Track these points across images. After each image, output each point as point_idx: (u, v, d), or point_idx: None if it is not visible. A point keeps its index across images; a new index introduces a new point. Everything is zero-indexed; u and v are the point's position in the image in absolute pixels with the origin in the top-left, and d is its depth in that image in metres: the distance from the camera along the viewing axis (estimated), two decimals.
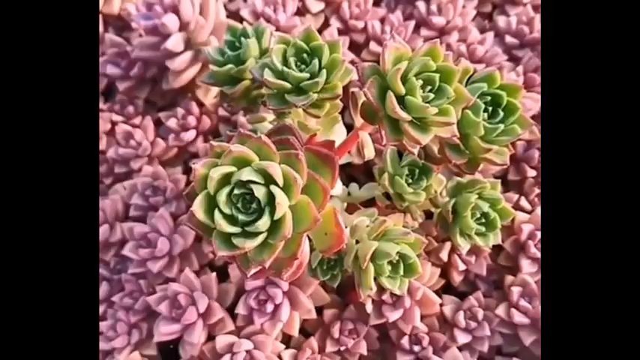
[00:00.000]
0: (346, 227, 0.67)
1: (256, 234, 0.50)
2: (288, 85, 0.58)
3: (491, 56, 0.79)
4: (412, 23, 0.82)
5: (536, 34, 0.80)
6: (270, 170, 0.49)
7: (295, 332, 0.72)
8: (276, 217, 0.50)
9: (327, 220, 0.57)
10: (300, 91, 0.59)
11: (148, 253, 0.73)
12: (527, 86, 0.78)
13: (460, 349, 0.71)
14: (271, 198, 0.50)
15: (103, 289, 0.75)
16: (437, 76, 0.52)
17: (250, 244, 0.50)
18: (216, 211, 0.50)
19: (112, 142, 0.81)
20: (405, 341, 0.71)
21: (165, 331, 0.70)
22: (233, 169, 0.50)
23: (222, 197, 0.50)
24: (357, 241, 0.64)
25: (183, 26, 0.76)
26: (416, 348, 0.71)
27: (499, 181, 0.68)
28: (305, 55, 0.59)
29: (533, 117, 0.79)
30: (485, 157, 0.64)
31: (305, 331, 0.75)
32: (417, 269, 0.62)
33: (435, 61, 0.53)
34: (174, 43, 0.75)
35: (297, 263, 0.57)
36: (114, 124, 0.81)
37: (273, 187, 0.50)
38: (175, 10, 0.75)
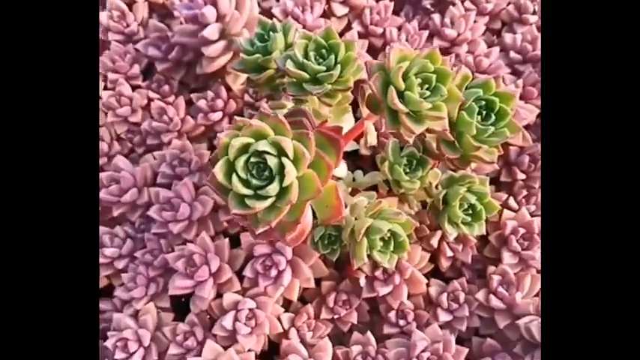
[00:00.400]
0: (347, 206, 0.76)
1: (266, 197, 0.58)
2: (306, 76, 0.67)
3: (494, 68, 0.87)
4: (426, 33, 0.90)
5: (538, 51, 0.88)
6: (283, 144, 0.58)
7: (294, 298, 0.80)
8: (284, 185, 0.58)
9: (328, 194, 0.65)
10: (316, 81, 0.67)
11: (170, 216, 0.81)
12: (525, 98, 0.86)
13: (441, 327, 0.78)
14: (282, 168, 0.58)
15: (128, 245, 0.84)
16: (434, 76, 0.61)
17: (260, 206, 0.59)
18: (234, 175, 0.58)
19: (146, 116, 0.90)
20: (392, 315, 0.79)
21: (179, 285, 0.78)
22: (251, 140, 0.59)
23: (240, 163, 0.58)
24: (356, 219, 0.72)
25: (220, 18, 0.85)
26: (401, 322, 0.79)
27: (487, 178, 0.75)
28: (324, 51, 0.68)
29: (527, 126, 0.87)
30: (476, 155, 0.72)
31: (303, 299, 0.83)
32: (406, 247, 0.70)
33: (434, 64, 0.61)
34: (211, 32, 0.84)
35: (299, 228, 0.65)
36: (150, 100, 0.90)
37: (284, 159, 0.58)
38: (214, 3, 0.84)
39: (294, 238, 0.66)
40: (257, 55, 0.73)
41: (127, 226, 0.86)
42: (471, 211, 0.73)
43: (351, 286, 0.81)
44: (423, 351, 0.74)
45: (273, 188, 0.58)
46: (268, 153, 0.58)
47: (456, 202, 0.72)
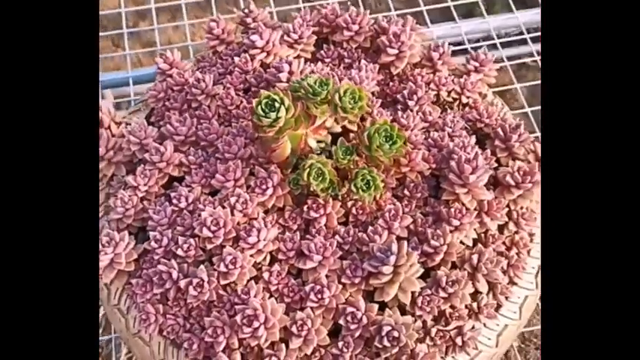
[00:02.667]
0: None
1: (269, 118, 1.33)
2: (310, 90, 1.42)
3: (416, 143, 1.59)
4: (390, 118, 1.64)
5: (443, 143, 1.59)
6: (284, 99, 1.34)
7: (269, 206, 1.49)
8: (278, 116, 1.33)
9: (298, 135, 1.38)
10: (314, 94, 1.43)
11: (226, 150, 1.54)
12: (427, 161, 1.56)
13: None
14: (279, 109, 1.33)
15: (200, 159, 1.58)
16: (357, 96, 1.35)
17: (266, 122, 1.33)
18: (259, 106, 1.34)
19: (238, 107, 1.67)
20: (313, 230, 1.46)
21: (218, 179, 1.49)
22: (272, 94, 1.35)
23: (263, 102, 1.34)
24: None
25: (290, 72, 1.64)
26: (316, 235, 1.46)
27: (383, 176, 1.45)
28: (323, 83, 1.43)
29: (422, 173, 1.55)
30: (377, 157, 1.43)
31: (271, 212, 1.52)
32: (326, 182, 1.40)
33: (359, 92, 1.36)
34: (282, 76, 1.63)
35: (279, 146, 1.38)
36: (241, 102, 1.68)
37: (282, 106, 1.33)
38: (290, 64, 1.64)
39: (275, 151, 1.39)
40: (297, 84, 1.51)
41: (204, 152, 1.61)
42: (367, 185, 1.43)
43: (299, 212, 1.50)
44: (317, 246, 1.40)
45: (273, 115, 1.33)
46: (276, 101, 1.34)
47: (360, 177, 1.42)
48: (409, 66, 1.72)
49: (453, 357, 1.37)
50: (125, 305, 1.46)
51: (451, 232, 1.42)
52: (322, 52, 1.78)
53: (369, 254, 1.38)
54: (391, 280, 1.33)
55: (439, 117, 1.66)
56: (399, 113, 1.63)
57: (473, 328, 1.37)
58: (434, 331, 1.34)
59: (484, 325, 1.40)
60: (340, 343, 1.32)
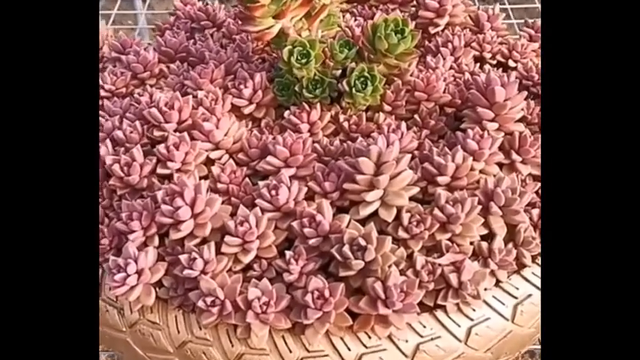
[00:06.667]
0: None
1: None
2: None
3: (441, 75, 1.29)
4: None
5: None
6: None
7: (251, 114, 1.20)
8: None
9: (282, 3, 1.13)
10: None
11: (216, 60, 1.32)
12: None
13: None
14: None
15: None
16: None
17: None
18: None
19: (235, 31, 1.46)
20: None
21: (206, 72, 1.26)
22: None
23: None
24: None
25: None
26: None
27: (384, 79, 1.15)
28: None
29: None
30: (381, 52, 1.14)
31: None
32: (311, 69, 1.11)
33: None
34: None
35: (260, 5, 1.12)
36: None
37: None
38: None
39: (257, 14, 1.13)
40: None
41: (190, 67, 1.38)
42: (363, 83, 1.12)
43: (279, 122, 1.20)
44: (286, 141, 1.09)
45: None
46: None
47: (356, 72, 1.13)
48: (451, 28, 1.46)
49: (444, 310, 0.97)
50: None
51: (464, 157, 1.07)
52: (355, 9, 1.57)
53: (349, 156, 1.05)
54: (371, 183, 0.99)
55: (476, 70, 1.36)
56: (429, 57, 1.36)
57: (477, 272, 0.97)
58: (421, 261, 0.96)
59: (496, 278, 1.00)
60: (288, 254, 0.96)
